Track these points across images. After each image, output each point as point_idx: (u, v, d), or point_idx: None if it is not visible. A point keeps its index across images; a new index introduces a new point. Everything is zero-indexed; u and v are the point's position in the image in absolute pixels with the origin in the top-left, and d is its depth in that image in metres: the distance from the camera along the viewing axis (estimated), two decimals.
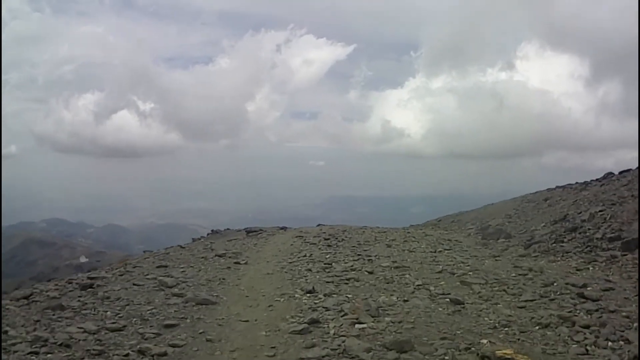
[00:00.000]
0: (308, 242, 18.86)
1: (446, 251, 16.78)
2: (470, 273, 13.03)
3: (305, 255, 16.00)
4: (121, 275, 13.67)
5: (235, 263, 15.55)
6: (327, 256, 15.71)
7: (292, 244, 18.72)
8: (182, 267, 14.73)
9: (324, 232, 21.31)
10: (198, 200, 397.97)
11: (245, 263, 15.61)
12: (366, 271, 13.37)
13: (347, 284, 12.15)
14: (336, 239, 19.37)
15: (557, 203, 23.00)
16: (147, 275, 13.45)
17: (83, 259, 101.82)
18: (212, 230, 36.51)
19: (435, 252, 16.50)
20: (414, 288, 11.59)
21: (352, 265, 14.04)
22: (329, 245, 17.82)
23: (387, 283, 12.17)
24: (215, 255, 16.56)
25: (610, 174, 24.93)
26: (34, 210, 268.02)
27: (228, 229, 35.15)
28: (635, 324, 8.92)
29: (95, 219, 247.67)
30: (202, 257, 16.47)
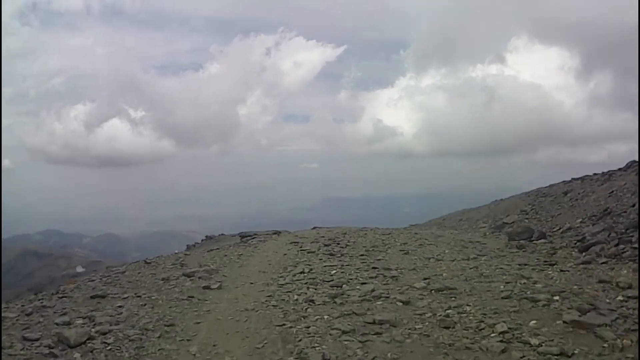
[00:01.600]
0: (305, 250, 16.34)
1: (482, 258, 13.55)
2: (557, 299, 8.70)
3: (303, 272, 12.63)
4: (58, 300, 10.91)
5: (205, 288, 11.72)
6: (333, 272, 12.43)
7: (285, 254, 16.10)
8: (125, 297, 10.81)
9: (322, 237, 19.30)
10: (192, 207, 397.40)
11: (219, 288, 11.82)
12: (399, 301, 9.30)
13: (380, 335, 7.71)
14: (338, 244, 17.26)
15: (583, 196, 21.03)
16: (64, 312, 9.58)
17: (80, 269, 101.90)
18: (206, 236, 37.20)
19: (468, 259, 13.51)
20: (501, 340, 7.04)
21: (372, 290, 10.14)
22: (331, 254, 15.16)
23: (447, 329, 7.75)
24: (182, 275, 13.19)
25: (634, 162, 23.42)
26: (29, 222, 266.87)
27: (222, 234, 35.83)
28: None
29: (90, 229, 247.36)
30: (163, 279, 12.81)
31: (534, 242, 16.26)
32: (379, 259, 14.15)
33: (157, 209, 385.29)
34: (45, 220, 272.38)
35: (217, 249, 19.88)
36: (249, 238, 22.02)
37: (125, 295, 11.04)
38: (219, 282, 12.62)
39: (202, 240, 36.72)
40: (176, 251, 23.33)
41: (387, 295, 9.75)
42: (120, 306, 10.03)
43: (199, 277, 13.15)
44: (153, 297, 10.94)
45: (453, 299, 9.28)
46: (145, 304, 10.26)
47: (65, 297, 11.23)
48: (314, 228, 25.48)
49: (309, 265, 13.76)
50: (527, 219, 21.21)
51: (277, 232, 24.08)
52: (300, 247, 17.33)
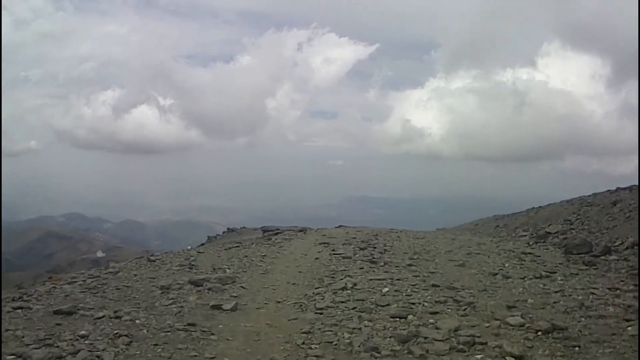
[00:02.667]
0: (339, 255, 14.59)
1: (557, 278, 11.74)
2: None
3: (345, 288, 10.44)
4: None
5: (214, 308, 9.22)
6: (385, 289, 10.27)
7: (317, 257, 14.39)
8: (99, 317, 8.41)
9: (354, 238, 17.93)
10: (215, 198, 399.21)
11: (233, 309, 9.21)
12: (509, 355, 6.82)
13: None
14: (374, 248, 15.71)
15: (635, 208, 19.21)
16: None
17: (100, 254, 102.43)
18: (227, 229, 36.44)
19: (540, 277, 11.68)
20: None
21: (456, 329, 7.75)
22: (372, 262, 13.42)
23: None
24: (189, 283, 11.02)
25: None
26: (53, 204, 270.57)
27: (244, 227, 35.02)
28: None
29: (112, 214, 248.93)
30: (162, 288, 10.62)
31: (601, 258, 14.56)
32: (433, 272, 12.19)
33: (180, 198, 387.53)
34: (69, 203, 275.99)
35: (237, 246, 17.86)
36: (271, 233, 21.14)
37: (101, 314, 8.51)
38: (235, 297, 10.14)
39: (224, 232, 35.92)
40: (189, 247, 21.35)
41: (484, 342, 7.20)
42: (82, 336, 7.32)
43: (209, 289, 10.81)
44: (137, 322, 8.26)
45: (576, 349, 7.02)
46: (119, 335, 7.41)
47: (22, 308, 8.87)
48: (340, 227, 24.42)
49: (350, 276, 11.73)
50: (572, 229, 19.66)
51: (303, 230, 22.17)
52: (333, 250, 15.50)
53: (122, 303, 9.48)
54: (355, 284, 10.76)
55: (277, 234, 20.79)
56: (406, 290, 10.24)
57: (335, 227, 24.27)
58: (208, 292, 10.52)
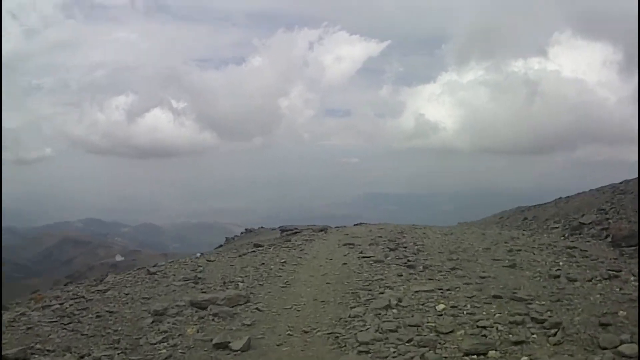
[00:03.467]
0: (369, 258, 13.29)
1: (635, 280, 10.10)
2: None
3: (389, 306, 8.72)
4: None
5: (219, 347, 7.56)
6: (440, 307, 8.55)
7: (344, 262, 12.98)
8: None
9: (380, 237, 16.72)
10: (232, 199, 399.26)
11: (243, 350, 7.42)
12: None
13: None
14: (405, 248, 14.62)
15: None
16: None
17: (119, 258, 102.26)
18: (245, 229, 36.13)
19: (609, 278, 10.16)
20: None
21: None
22: (409, 266, 12.12)
23: None
24: (190, 306, 9.42)
25: None
26: (70, 210, 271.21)
27: (262, 227, 34.61)
28: None
29: (130, 218, 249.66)
30: (155, 315, 8.98)
31: None
32: (483, 277, 10.66)
33: (197, 200, 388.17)
34: (86, 209, 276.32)
35: (253, 251, 16.26)
36: (290, 233, 20.68)
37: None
38: (247, 327, 8.37)
39: (242, 233, 35.61)
40: (198, 255, 18.66)
41: None
42: None
43: (215, 314, 8.89)
44: None
45: None
46: None
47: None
48: (360, 224, 23.68)
49: (390, 287, 10.06)
50: (608, 219, 18.68)
51: (324, 229, 21.01)
52: (361, 253, 14.14)
53: (97, 340, 7.93)
54: (399, 300, 9.05)
55: (295, 233, 20.28)
56: (465, 305, 8.56)
57: (355, 225, 23.57)
58: (213, 320, 8.74)
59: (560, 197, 27.47)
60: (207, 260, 15.36)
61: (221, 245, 31.00)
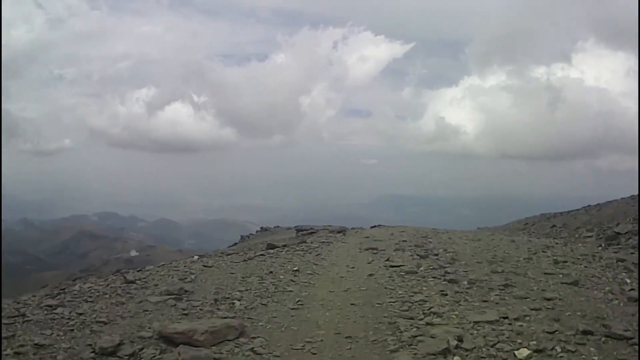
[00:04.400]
0: (398, 268, 11.66)
1: None
2: None
3: (447, 351, 6.61)
4: None
5: None
6: (524, 355, 6.45)
7: (371, 273, 11.32)
8: None
9: (404, 240, 15.57)
10: (249, 197, 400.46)
11: None
12: None
13: None
14: (436, 255, 13.22)
15: None
16: None
17: (133, 253, 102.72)
18: (261, 228, 35.58)
19: None
20: None
21: None
22: (450, 280, 10.28)
23: None
24: (157, 339, 6.88)
25: None
26: (86, 203, 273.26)
27: (278, 226, 34.01)
28: None
29: (147, 213, 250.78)
30: (83, 356, 6.30)
31: None
32: (550, 298, 8.83)
33: (215, 197, 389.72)
34: (103, 202, 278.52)
35: (262, 254, 14.36)
36: (305, 233, 20.02)
37: None
38: None
39: (257, 231, 35.10)
40: (195, 257, 15.65)
41: None
42: None
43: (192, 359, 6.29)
44: None
45: None
46: None
47: None
48: (378, 226, 22.76)
49: (438, 314, 8.07)
50: None
51: (342, 231, 19.66)
52: (388, 260, 12.68)
53: None
54: (459, 338, 6.85)
55: (311, 233, 19.61)
56: (553, 348, 6.62)
57: (372, 227, 22.70)
58: None
59: (590, 205, 26.58)
60: (204, 266, 12.75)
61: (235, 244, 30.40)
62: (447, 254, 13.36)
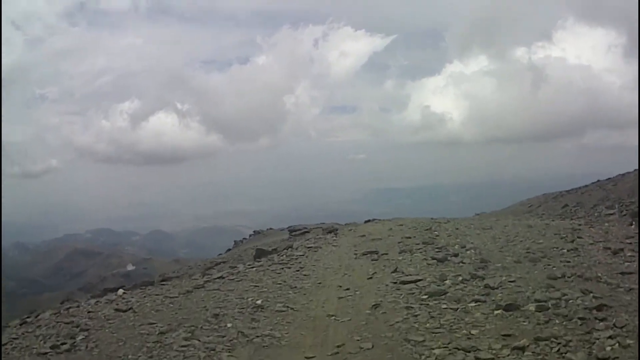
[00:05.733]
0: (417, 286, 9.29)
1: None
2: None
3: None
4: None
5: None
6: None
7: (376, 304, 8.70)
8: None
9: (409, 238, 13.79)
10: (241, 201, 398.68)
11: None
12: None
13: None
14: (457, 257, 11.29)
15: None
16: None
17: (130, 267, 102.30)
18: (254, 231, 35.81)
19: None
20: None
21: None
22: (506, 307, 7.75)
23: None
24: None
25: None
26: (78, 221, 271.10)
27: (270, 228, 34.11)
28: None
29: (139, 226, 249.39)
30: None
31: None
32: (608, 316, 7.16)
33: (205, 204, 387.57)
34: (95, 219, 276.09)
35: (220, 277, 11.81)
36: (298, 233, 19.86)
37: None
38: None
39: (250, 235, 35.31)
40: (120, 291, 12.23)
41: None
42: None
43: None
44: None
45: None
46: None
47: None
48: (372, 221, 21.94)
49: None
50: None
51: (334, 231, 18.24)
52: (396, 271, 10.37)
53: None
54: None
55: (304, 233, 19.54)
56: None
57: (366, 221, 22.11)
58: None
59: (599, 180, 25.79)
60: (116, 310, 9.70)
61: (229, 249, 30.47)
62: (470, 253, 11.43)
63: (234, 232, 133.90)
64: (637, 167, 23.97)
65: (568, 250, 11.09)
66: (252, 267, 12.66)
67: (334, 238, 16.06)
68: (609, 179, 24.92)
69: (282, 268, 12.02)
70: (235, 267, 13.11)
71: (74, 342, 7.99)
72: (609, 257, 10.25)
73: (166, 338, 8.01)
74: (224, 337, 7.93)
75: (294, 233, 21.26)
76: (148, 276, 41.37)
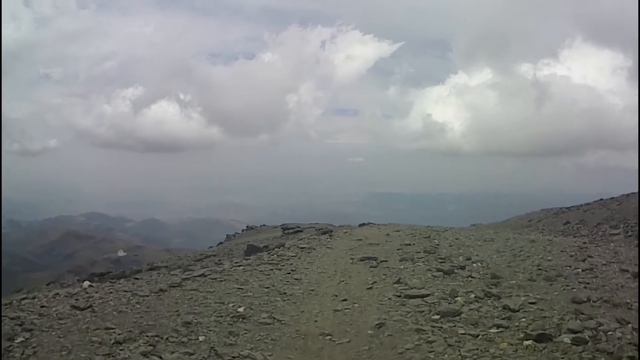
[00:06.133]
0: (427, 304, 8.36)
1: None
2: None
3: None
4: None
5: None
6: None
7: (379, 323, 7.72)
8: None
9: (408, 244, 13.35)
10: (237, 195, 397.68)
11: None
12: None
13: None
14: (464, 269, 10.61)
15: None
16: None
17: (121, 253, 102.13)
18: (247, 226, 35.83)
19: None
20: None
21: None
22: (537, 337, 6.77)
23: None
24: None
25: None
26: (73, 204, 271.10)
27: (264, 225, 34.16)
28: None
29: (134, 213, 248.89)
30: None
31: None
32: None
33: (202, 196, 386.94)
34: (90, 203, 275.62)
35: (201, 274, 10.59)
36: (291, 232, 19.96)
37: None
38: None
39: (243, 230, 35.33)
40: (86, 283, 10.43)
41: None
42: None
43: None
44: None
45: None
46: None
47: None
48: (367, 224, 21.80)
49: None
50: None
51: (328, 232, 17.71)
52: (399, 283, 9.50)
53: None
54: None
55: (297, 232, 19.66)
56: None
57: (361, 225, 22.11)
58: None
59: (602, 199, 25.44)
60: (73, 307, 8.22)
61: (221, 243, 30.61)
62: (477, 267, 10.77)
63: (228, 226, 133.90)
64: (616, 190, 24.27)
65: (583, 270, 10.50)
66: (239, 266, 11.56)
67: (329, 240, 15.51)
68: (613, 198, 24.60)
69: (272, 269, 11.06)
70: (221, 264, 12.33)
71: (10, 346, 6.50)
72: (630, 281, 9.73)
73: (121, 350, 6.53)
74: (192, 354, 6.54)
75: (287, 231, 21.34)
76: (138, 263, 41.52)
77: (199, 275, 10.48)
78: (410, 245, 13.24)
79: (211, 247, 28.78)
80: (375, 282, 9.67)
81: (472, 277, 9.92)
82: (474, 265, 10.94)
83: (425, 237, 14.50)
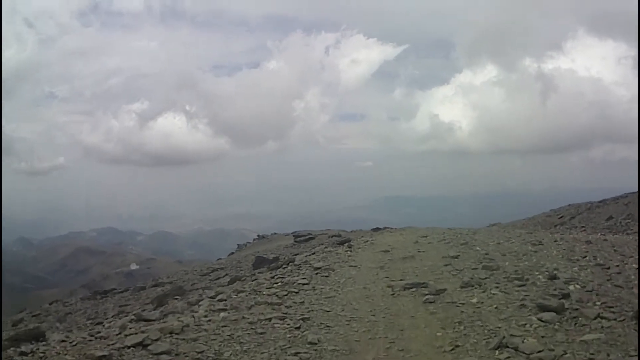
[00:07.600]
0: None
1: None
2: None
3: None
4: None
5: None
6: None
7: None
8: None
9: (454, 257, 10.25)
10: (248, 205, 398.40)
11: None
12: None
13: None
14: (565, 297, 7.27)
15: None
16: None
17: (133, 266, 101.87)
18: (258, 236, 35.42)
19: None
20: None
21: None
22: None
23: None
24: None
25: None
26: (83, 220, 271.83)
27: (275, 233, 33.73)
28: None
29: (144, 226, 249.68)
30: None
31: None
32: None
33: (212, 207, 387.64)
34: (100, 219, 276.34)
35: (196, 316, 7.70)
36: (303, 240, 19.42)
37: None
38: None
39: (254, 239, 34.91)
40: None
41: None
42: None
43: None
44: None
45: None
46: None
47: None
48: (383, 229, 20.41)
49: None
50: None
51: (347, 242, 14.83)
52: (504, 346, 5.84)
53: None
54: None
55: (309, 239, 19.12)
56: None
57: (374, 230, 21.53)
58: None
59: (626, 194, 23.86)
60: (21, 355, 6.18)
61: (232, 253, 30.20)
62: (578, 289, 7.65)
63: (239, 235, 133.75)
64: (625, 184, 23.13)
65: None
66: (224, 307, 8.07)
67: (349, 253, 12.24)
68: (626, 194, 23.19)
69: (270, 319, 7.28)
70: (197, 306, 8.75)
71: None
72: None
73: None
74: None
75: (298, 239, 20.85)
76: (152, 275, 41.25)
77: (168, 334, 6.92)
78: (455, 258, 10.12)
79: (220, 259, 28.26)
80: (457, 342, 5.89)
81: (601, 319, 6.65)
82: (570, 287, 7.67)
83: (463, 244, 11.65)
